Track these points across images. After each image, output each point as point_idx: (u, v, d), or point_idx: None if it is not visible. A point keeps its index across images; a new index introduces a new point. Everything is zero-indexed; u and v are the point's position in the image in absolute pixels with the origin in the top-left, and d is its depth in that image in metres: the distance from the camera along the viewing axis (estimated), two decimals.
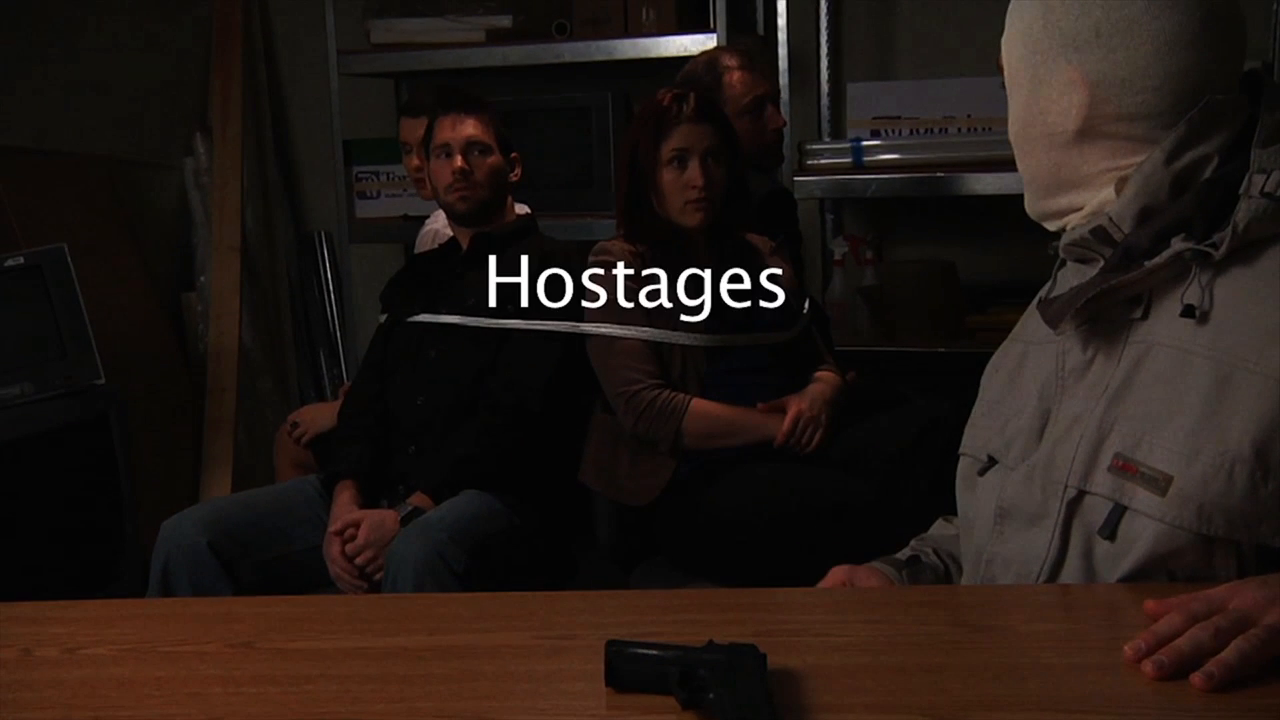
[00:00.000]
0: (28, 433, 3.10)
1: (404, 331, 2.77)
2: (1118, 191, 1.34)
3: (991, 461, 1.44)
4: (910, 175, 3.43)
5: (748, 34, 3.82)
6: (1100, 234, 1.34)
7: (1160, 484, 1.23)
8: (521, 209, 2.94)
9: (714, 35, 3.52)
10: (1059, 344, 1.40)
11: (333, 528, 2.49)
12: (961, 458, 1.52)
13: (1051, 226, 1.43)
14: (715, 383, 2.56)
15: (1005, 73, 1.43)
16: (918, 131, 3.59)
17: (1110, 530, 1.27)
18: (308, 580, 2.56)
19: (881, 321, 3.61)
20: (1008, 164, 3.37)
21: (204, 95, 4.26)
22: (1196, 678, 1.03)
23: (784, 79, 3.68)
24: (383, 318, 2.89)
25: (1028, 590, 1.35)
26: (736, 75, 3.01)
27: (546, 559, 2.66)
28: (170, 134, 4.21)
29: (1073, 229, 1.38)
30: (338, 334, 4.38)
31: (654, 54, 3.62)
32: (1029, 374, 1.45)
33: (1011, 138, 1.44)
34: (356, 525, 2.48)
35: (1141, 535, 1.25)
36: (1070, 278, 1.42)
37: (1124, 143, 1.34)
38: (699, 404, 2.51)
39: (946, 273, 3.64)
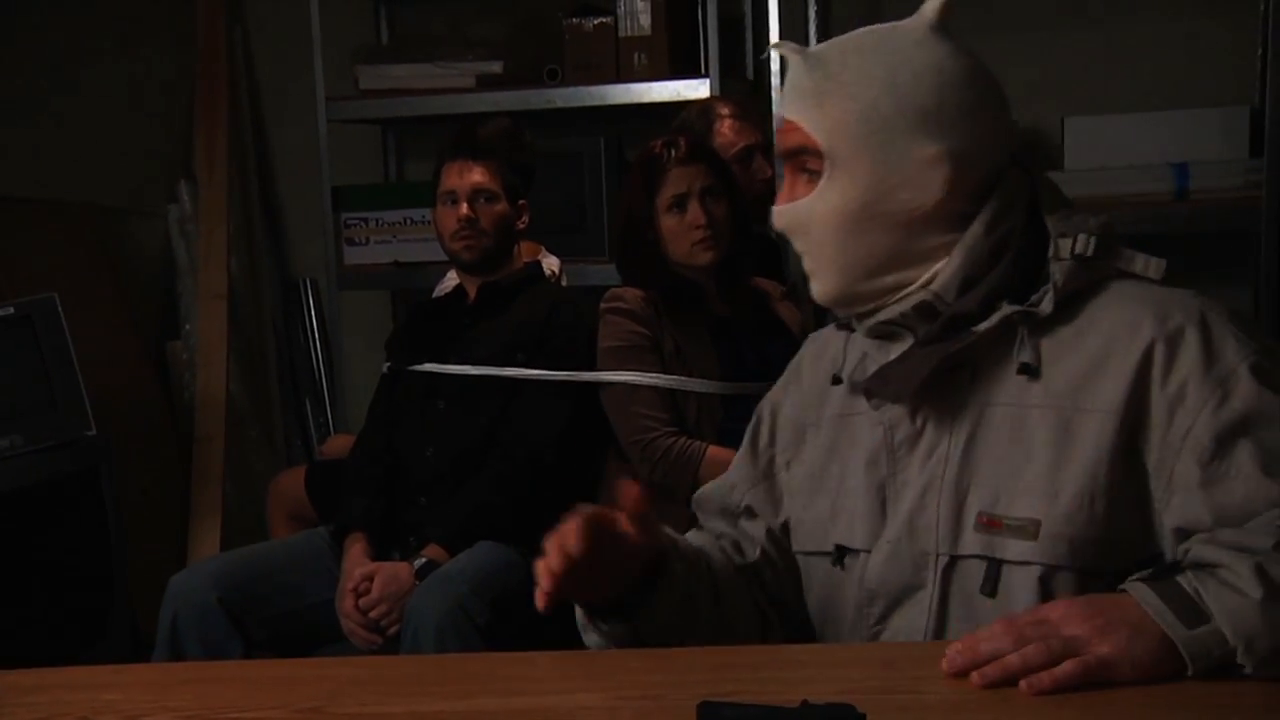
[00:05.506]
0: (17, 486, 3.04)
1: (411, 381, 2.74)
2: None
3: (841, 551, 1.45)
4: None
5: (738, 79, 3.83)
6: (923, 309, 1.37)
7: (1029, 530, 1.30)
8: (551, 261, 2.92)
9: (706, 81, 3.52)
10: (881, 418, 1.42)
11: (347, 584, 2.45)
12: (802, 557, 1.51)
13: (856, 310, 1.43)
14: (731, 429, 2.54)
15: (824, 159, 1.38)
16: None
17: (991, 587, 1.33)
18: (320, 635, 2.52)
19: None
20: None
21: (188, 142, 4.21)
22: (1022, 684, 1.14)
23: (776, 124, 3.68)
24: (385, 367, 2.85)
25: None
26: (727, 124, 3.02)
27: (561, 611, 2.62)
28: (154, 181, 4.16)
29: (890, 307, 1.39)
30: (324, 382, 4.33)
31: (646, 99, 3.60)
32: (848, 452, 1.46)
33: (828, 222, 1.39)
34: (370, 578, 2.44)
35: (1022, 584, 1.31)
36: (875, 354, 1.44)
37: (956, 220, 1.38)
38: (715, 451, 2.49)
39: None
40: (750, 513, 1.57)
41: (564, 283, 3.01)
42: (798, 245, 1.45)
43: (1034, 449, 1.32)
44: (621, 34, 3.65)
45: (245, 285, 4.21)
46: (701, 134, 2.89)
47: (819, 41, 3.81)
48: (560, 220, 3.56)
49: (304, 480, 3.09)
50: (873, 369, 1.43)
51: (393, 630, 2.42)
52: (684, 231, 2.57)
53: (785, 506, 1.55)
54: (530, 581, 2.48)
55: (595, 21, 3.66)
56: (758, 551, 1.55)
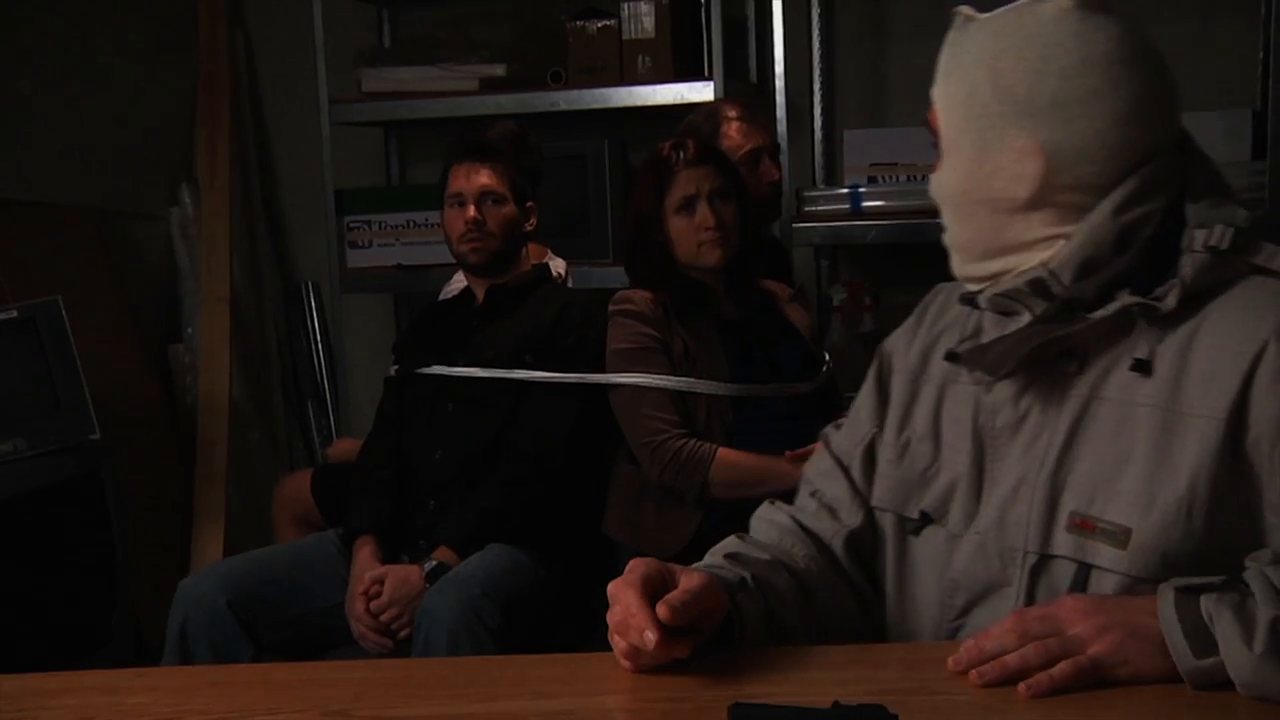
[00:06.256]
0: (20, 490, 3.03)
1: (419, 384, 2.73)
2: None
3: (925, 519, 1.41)
4: (909, 221, 3.44)
5: (742, 82, 3.83)
6: (1037, 285, 1.33)
7: (1119, 537, 1.24)
8: (558, 263, 2.92)
9: (710, 83, 3.53)
10: (982, 399, 1.38)
11: (358, 587, 2.45)
12: (878, 513, 1.47)
13: (976, 286, 1.40)
14: (739, 431, 2.54)
15: (942, 134, 1.39)
16: (915, 178, 3.60)
17: (1080, 590, 1.28)
18: (329, 639, 2.52)
19: None
20: None
21: (190, 145, 4.21)
22: (1021, 687, 1.15)
23: (780, 126, 3.69)
24: (393, 369, 2.85)
25: None
26: (735, 126, 3.01)
27: (570, 613, 2.62)
28: (155, 184, 4.16)
29: (1007, 279, 1.35)
30: (326, 385, 4.32)
31: (650, 102, 3.61)
32: (950, 422, 1.43)
33: (945, 200, 1.41)
34: (380, 581, 2.44)
35: (1110, 591, 1.25)
36: (991, 329, 1.41)
37: (1069, 211, 1.33)
38: (725, 453, 2.49)
39: None
40: (870, 452, 1.50)
41: (570, 284, 3.01)
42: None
43: (1134, 451, 1.26)
44: (625, 37, 3.65)
45: (247, 289, 4.20)
46: (709, 136, 2.88)
47: (821, 46, 3.84)
48: (564, 223, 3.56)
49: (310, 484, 3.08)
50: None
51: (404, 633, 2.41)
52: (693, 233, 2.56)
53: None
54: (540, 584, 2.50)
55: (599, 24, 3.66)
56: (860, 513, 1.48)
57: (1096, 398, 1.30)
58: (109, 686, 1.32)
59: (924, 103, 4.24)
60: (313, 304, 4.34)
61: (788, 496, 2.44)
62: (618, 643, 1.25)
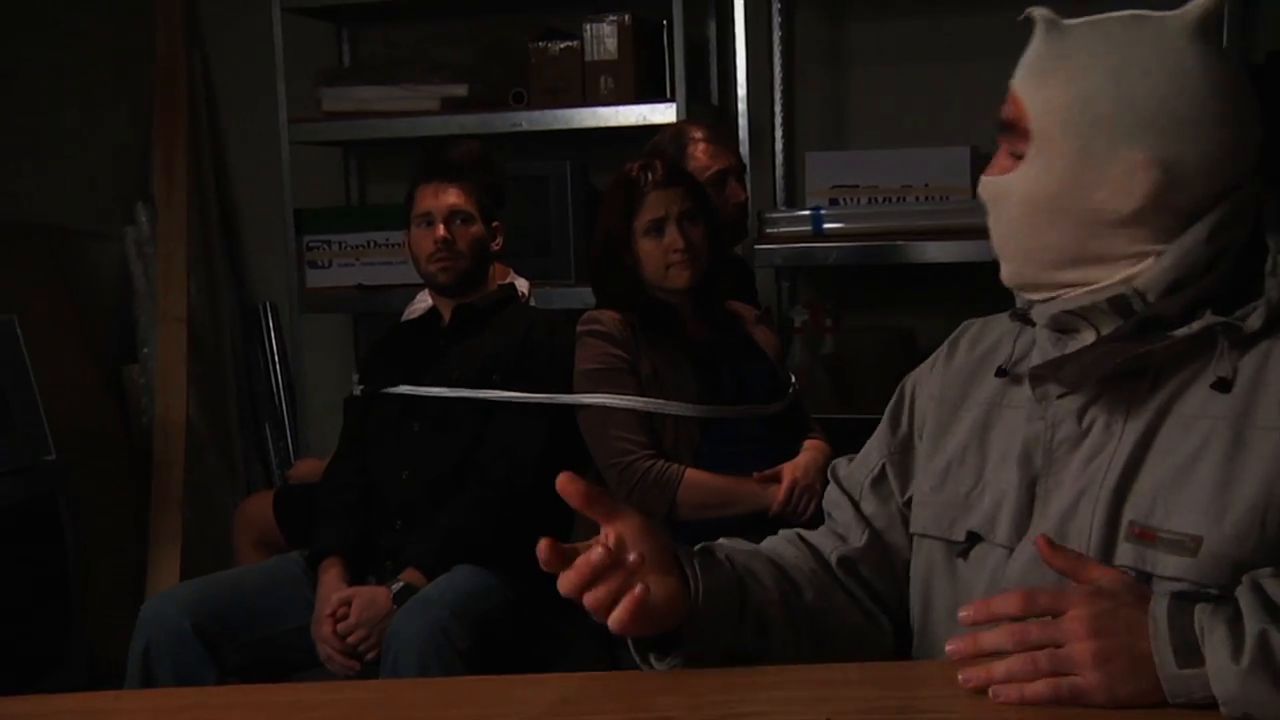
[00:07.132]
0: None
1: (384, 404, 2.71)
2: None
3: (973, 539, 1.40)
4: (871, 243, 3.47)
5: (703, 104, 3.85)
6: (1118, 303, 1.32)
7: (1188, 546, 1.23)
8: (521, 283, 2.92)
9: (672, 105, 3.55)
10: (1043, 413, 1.37)
11: (324, 609, 2.42)
12: (921, 540, 1.46)
13: (1034, 296, 1.38)
14: (707, 452, 2.54)
15: (1034, 134, 1.33)
16: (876, 200, 3.63)
17: None
18: (295, 662, 2.48)
19: (841, 388, 3.62)
20: (966, 233, 3.39)
21: (146, 163, 4.17)
22: (991, 691, 1.16)
23: (742, 148, 3.70)
24: (358, 389, 2.83)
25: None
26: (701, 147, 3.02)
27: (539, 634, 2.61)
28: (111, 203, 4.11)
29: (1078, 296, 1.33)
30: (284, 407, 4.29)
31: (612, 123, 3.63)
32: (996, 442, 1.42)
33: (1025, 202, 1.35)
34: (348, 603, 2.41)
35: None
36: (1048, 346, 1.39)
37: (1162, 231, 1.31)
38: (693, 474, 2.49)
39: (905, 340, 3.68)
40: (879, 483, 1.51)
41: (532, 304, 3.00)
42: (991, 220, 1.39)
43: (1200, 463, 1.25)
44: (587, 58, 3.67)
45: (203, 309, 4.16)
46: (675, 157, 2.88)
47: (783, 69, 3.87)
48: (526, 243, 3.55)
49: (272, 505, 3.05)
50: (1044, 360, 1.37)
51: (371, 655, 2.39)
52: (661, 255, 2.56)
53: (913, 484, 1.50)
54: (509, 605, 2.48)
55: (561, 45, 3.67)
56: (864, 536, 1.49)
57: (1168, 415, 1.30)
58: (83, 710, 1.30)
59: (884, 127, 4.22)
60: (271, 324, 4.31)
61: (755, 518, 2.46)
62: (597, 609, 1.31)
